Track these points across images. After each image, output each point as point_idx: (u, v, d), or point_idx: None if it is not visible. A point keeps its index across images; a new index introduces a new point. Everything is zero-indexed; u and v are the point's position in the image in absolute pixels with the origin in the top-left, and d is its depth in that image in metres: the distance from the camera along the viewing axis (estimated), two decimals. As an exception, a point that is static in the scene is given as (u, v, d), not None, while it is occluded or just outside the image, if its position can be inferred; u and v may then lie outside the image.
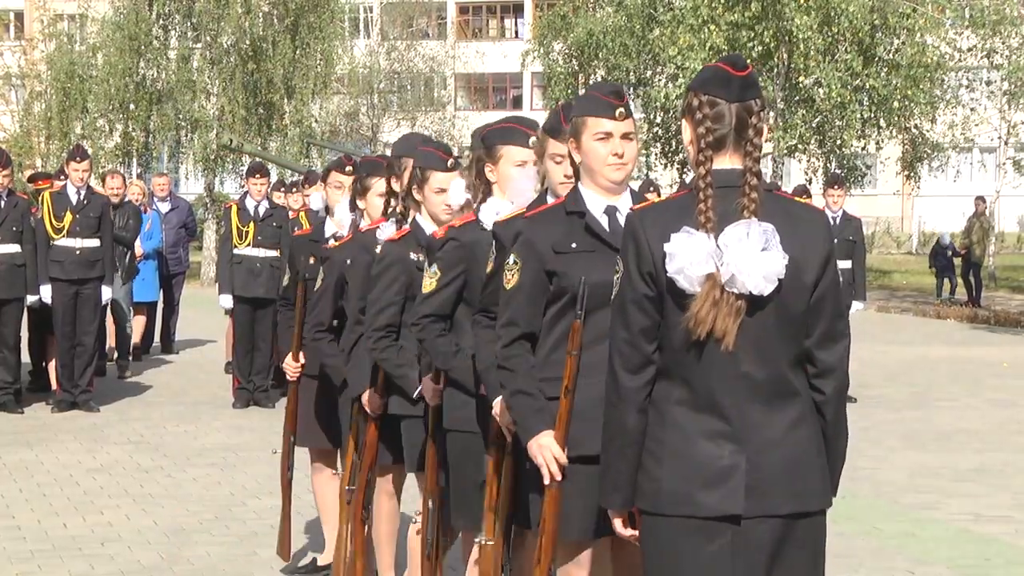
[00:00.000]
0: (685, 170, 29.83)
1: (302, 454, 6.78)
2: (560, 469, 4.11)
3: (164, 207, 16.12)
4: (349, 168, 6.69)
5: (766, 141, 3.66)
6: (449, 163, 5.36)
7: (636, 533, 3.62)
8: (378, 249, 5.60)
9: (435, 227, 5.28)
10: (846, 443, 3.64)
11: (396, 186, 5.73)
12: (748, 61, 3.57)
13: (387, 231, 5.63)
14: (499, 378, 4.32)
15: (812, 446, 3.52)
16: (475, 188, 4.97)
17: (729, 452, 3.44)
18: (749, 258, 3.39)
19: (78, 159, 12.01)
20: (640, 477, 3.52)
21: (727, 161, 3.51)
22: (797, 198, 3.71)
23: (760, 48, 25.05)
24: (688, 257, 3.40)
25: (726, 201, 3.45)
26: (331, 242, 6.31)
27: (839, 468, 3.64)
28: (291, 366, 6.50)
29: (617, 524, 3.64)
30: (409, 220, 5.53)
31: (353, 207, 6.23)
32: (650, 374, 3.50)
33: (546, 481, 4.14)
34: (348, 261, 5.84)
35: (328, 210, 6.78)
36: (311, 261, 6.49)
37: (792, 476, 3.48)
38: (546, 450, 4.11)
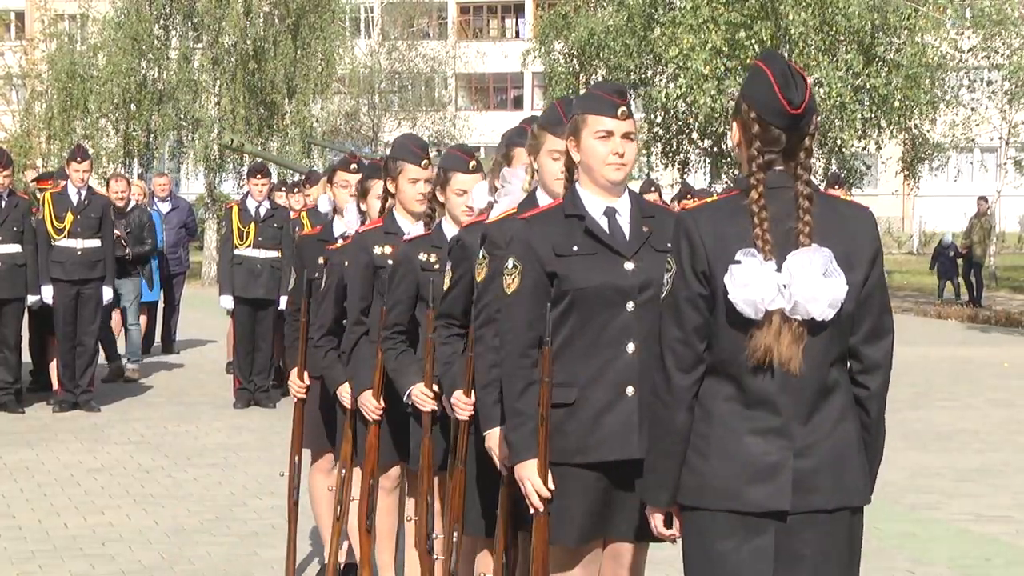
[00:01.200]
0: (686, 170, 29.81)
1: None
2: (543, 500, 4.09)
3: (164, 207, 16.11)
4: (354, 166, 6.70)
5: None
6: (471, 165, 5.36)
7: (675, 532, 3.64)
8: (383, 250, 5.65)
9: (456, 229, 5.29)
10: (884, 440, 3.67)
11: (391, 187, 5.78)
12: (805, 88, 3.52)
13: (413, 231, 5.66)
14: (502, 390, 4.26)
15: (854, 440, 3.55)
16: (496, 190, 4.98)
17: (777, 448, 3.47)
18: (814, 286, 3.43)
19: (79, 160, 12.00)
20: (684, 472, 3.54)
21: (778, 164, 3.55)
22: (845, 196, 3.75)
23: (758, 47, 25.02)
24: (759, 292, 3.42)
25: (777, 203, 3.49)
26: (339, 242, 6.33)
27: (878, 465, 3.67)
28: (296, 384, 6.36)
29: (658, 523, 3.65)
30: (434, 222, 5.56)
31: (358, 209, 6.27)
32: (701, 372, 3.52)
33: (531, 511, 4.13)
34: (347, 263, 5.87)
35: (336, 210, 6.79)
36: (320, 261, 6.46)
37: (837, 471, 3.50)
38: (527, 482, 4.09)
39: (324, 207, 7.09)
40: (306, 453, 6.65)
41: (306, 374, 6.29)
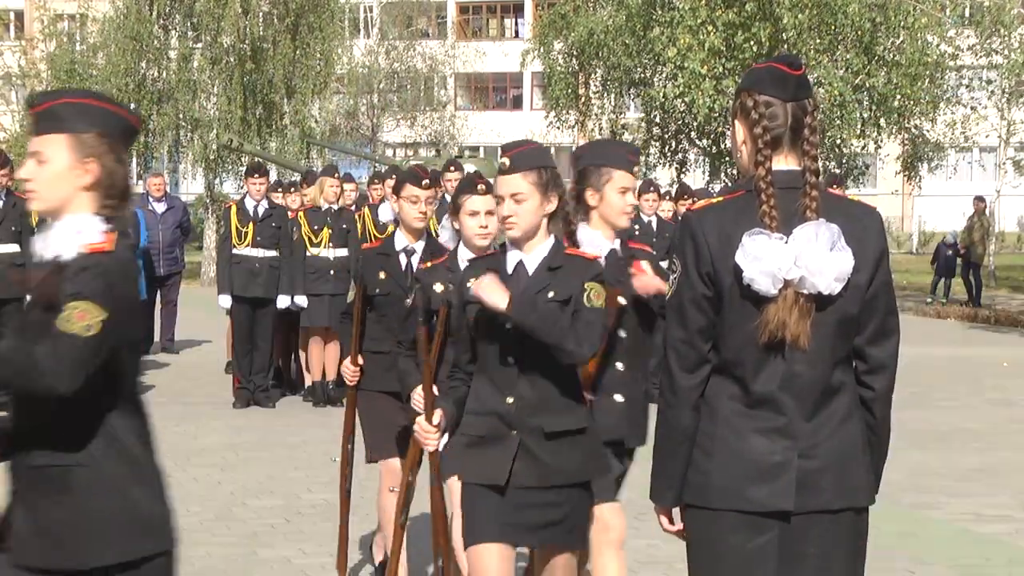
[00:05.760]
0: (684, 170, 29.81)
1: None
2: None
3: (160, 207, 16.08)
4: (426, 181, 6.36)
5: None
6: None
7: (681, 529, 3.66)
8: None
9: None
10: (889, 440, 3.70)
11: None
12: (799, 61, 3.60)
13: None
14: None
15: (859, 441, 3.57)
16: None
17: (781, 448, 3.48)
18: (821, 259, 3.42)
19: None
20: (689, 471, 3.56)
21: (783, 162, 3.53)
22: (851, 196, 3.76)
23: (756, 48, 25.03)
24: (774, 262, 3.41)
25: (785, 202, 3.48)
26: (402, 256, 6.24)
27: (882, 465, 3.69)
28: (349, 369, 6.18)
29: (663, 521, 3.68)
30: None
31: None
32: (705, 373, 3.54)
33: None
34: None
35: (398, 222, 6.47)
36: (381, 276, 6.23)
37: (841, 471, 3.52)
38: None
39: (386, 216, 7.00)
40: (358, 442, 6.41)
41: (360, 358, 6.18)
